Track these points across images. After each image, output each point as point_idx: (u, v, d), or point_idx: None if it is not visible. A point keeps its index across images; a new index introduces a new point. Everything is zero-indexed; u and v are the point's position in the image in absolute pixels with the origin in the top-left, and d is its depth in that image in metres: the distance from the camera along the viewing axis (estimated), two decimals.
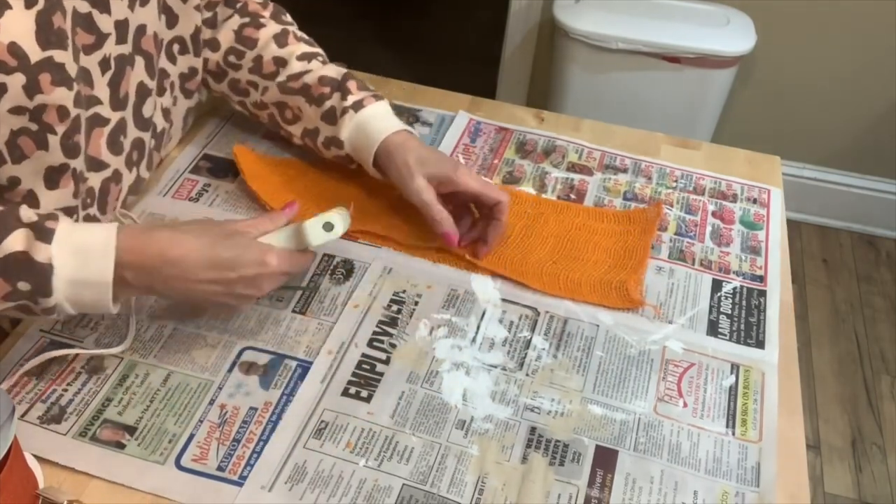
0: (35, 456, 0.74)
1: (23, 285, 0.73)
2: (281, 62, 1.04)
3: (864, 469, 1.86)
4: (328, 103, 1.01)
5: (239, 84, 1.07)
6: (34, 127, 0.79)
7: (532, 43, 2.31)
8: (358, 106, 0.99)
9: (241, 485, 0.75)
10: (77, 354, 0.84)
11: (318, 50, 1.08)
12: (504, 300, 0.94)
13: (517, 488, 0.76)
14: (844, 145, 2.33)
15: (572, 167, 1.14)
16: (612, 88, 2.08)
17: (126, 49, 0.89)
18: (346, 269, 0.96)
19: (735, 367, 0.89)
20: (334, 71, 1.04)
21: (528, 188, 1.09)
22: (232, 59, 1.06)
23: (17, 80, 0.75)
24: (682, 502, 0.76)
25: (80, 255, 0.75)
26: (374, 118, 0.99)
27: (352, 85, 1.01)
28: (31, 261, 0.73)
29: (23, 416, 0.78)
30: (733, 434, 0.82)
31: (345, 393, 0.83)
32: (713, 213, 1.08)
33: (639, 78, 2.05)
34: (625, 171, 1.14)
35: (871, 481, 1.84)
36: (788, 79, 2.23)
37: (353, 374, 0.85)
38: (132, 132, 0.94)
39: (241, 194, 1.04)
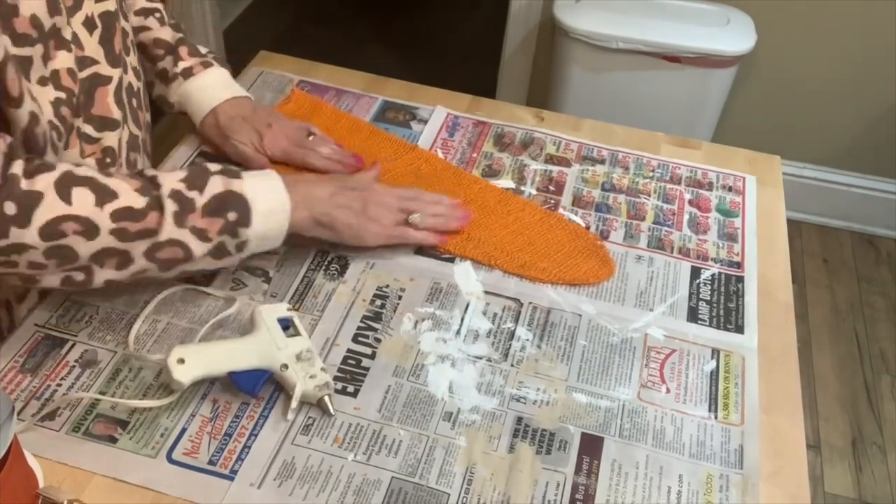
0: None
1: (231, 215, 0.84)
2: None
3: (864, 469, 1.86)
4: (160, 64, 1.07)
5: None
6: (62, 95, 0.83)
7: (532, 43, 2.31)
8: (187, 74, 1.07)
9: (231, 479, 0.75)
10: (73, 345, 0.84)
11: (157, 5, 1.10)
12: (487, 292, 0.95)
13: (505, 478, 0.77)
14: (844, 145, 2.32)
15: (550, 159, 1.15)
16: (612, 88, 2.08)
17: (112, 6, 0.91)
18: (341, 265, 0.96)
19: (715, 353, 0.90)
20: (169, 34, 1.08)
21: (507, 181, 1.10)
22: None
23: (38, 51, 0.80)
24: (668, 486, 0.77)
25: (263, 187, 0.87)
26: (198, 90, 1.07)
27: (183, 51, 1.08)
28: (234, 193, 0.85)
29: (18, 413, 0.78)
30: (716, 418, 0.84)
31: None
32: (690, 202, 1.10)
33: (639, 77, 2.04)
34: (602, 162, 1.15)
35: (871, 481, 1.84)
36: (788, 79, 2.23)
37: (339, 370, 0.85)
38: (125, 89, 0.96)
39: None
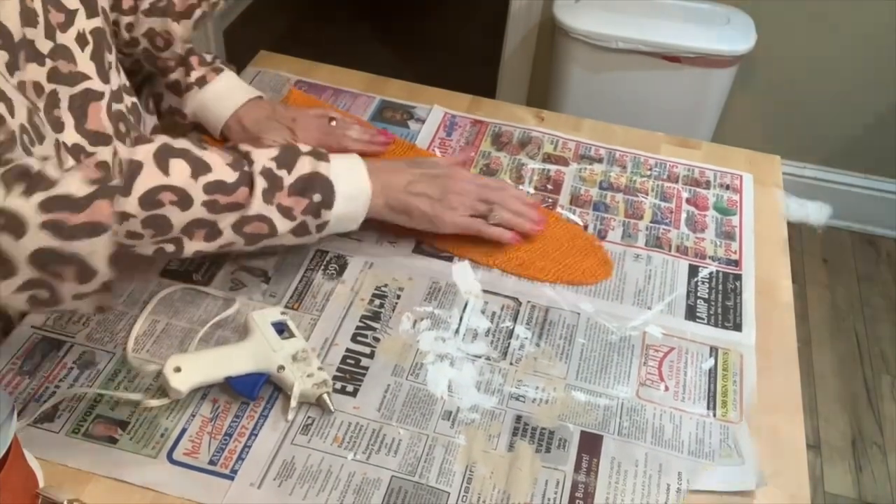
0: None
1: (316, 197, 0.87)
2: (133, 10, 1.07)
3: (864, 469, 1.86)
4: (172, 76, 1.06)
5: None
6: (28, 106, 0.80)
7: (532, 42, 2.31)
8: (201, 82, 1.07)
9: (232, 478, 0.75)
10: (71, 346, 0.84)
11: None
12: (485, 291, 0.95)
13: (505, 476, 0.77)
14: (844, 145, 2.32)
15: (548, 158, 1.15)
16: (612, 88, 2.08)
17: (100, 23, 0.90)
18: (340, 265, 0.96)
19: (714, 350, 0.91)
20: (178, 46, 1.07)
21: (505, 180, 1.10)
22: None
23: (2, 58, 0.78)
24: (667, 483, 0.78)
25: (347, 172, 0.90)
26: (215, 97, 1.08)
27: (193, 60, 1.08)
28: (320, 176, 0.87)
29: (18, 414, 0.78)
30: (714, 415, 0.84)
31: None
32: (687, 200, 1.11)
33: (639, 77, 2.04)
34: (600, 160, 1.16)
35: (871, 481, 1.84)
36: (788, 79, 2.23)
37: (338, 370, 0.85)
38: (116, 105, 0.95)
39: None
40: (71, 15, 0.86)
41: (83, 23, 0.88)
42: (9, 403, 0.63)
